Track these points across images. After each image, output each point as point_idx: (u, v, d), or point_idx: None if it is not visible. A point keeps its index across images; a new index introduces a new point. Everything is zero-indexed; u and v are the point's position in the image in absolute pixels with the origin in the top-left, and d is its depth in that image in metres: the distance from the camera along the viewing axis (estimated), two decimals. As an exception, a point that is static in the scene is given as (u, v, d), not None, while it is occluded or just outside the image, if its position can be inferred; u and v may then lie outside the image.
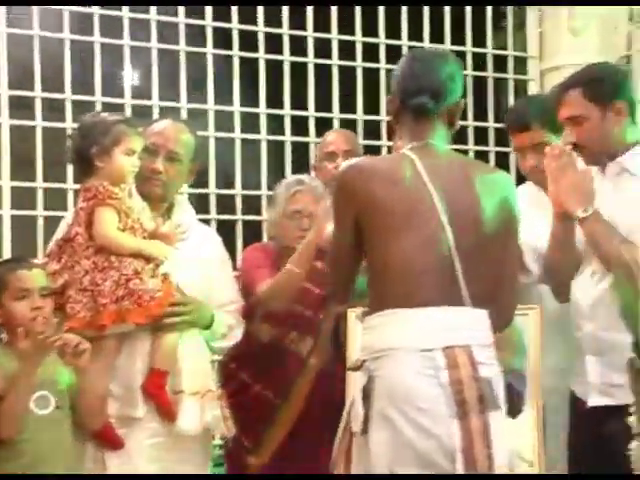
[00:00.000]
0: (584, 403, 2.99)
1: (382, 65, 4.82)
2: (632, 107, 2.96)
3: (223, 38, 4.62)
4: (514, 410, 2.74)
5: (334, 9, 4.75)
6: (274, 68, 4.67)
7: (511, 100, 5.16)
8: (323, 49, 4.78)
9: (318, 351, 3.33)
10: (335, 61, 4.78)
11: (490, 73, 5.14)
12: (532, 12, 5.21)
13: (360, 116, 4.81)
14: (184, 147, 3.16)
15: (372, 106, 4.84)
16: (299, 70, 4.73)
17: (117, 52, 4.39)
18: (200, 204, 4.50)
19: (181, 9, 4.47)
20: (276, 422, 3.30)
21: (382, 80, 4.79)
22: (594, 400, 2.96)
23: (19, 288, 2.82)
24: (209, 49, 4.54)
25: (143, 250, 2.93)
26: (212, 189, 4.56)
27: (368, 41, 4.83)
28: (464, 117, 4.74)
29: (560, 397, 3.17)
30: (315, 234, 3.23)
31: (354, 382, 2.54)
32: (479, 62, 5.10)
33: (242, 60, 4.61)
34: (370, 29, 4.84)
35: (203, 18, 4.53)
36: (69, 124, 4.16)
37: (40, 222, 4.18)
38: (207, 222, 4.38)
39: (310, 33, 4.72)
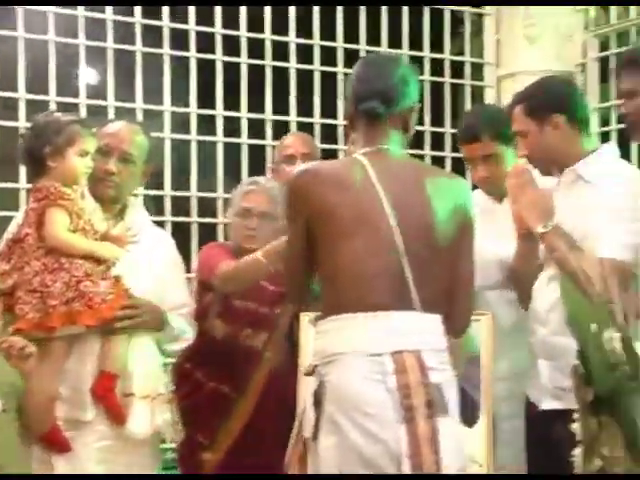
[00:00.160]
0: (536, 407, 3.02)
1: (340, 69, 4.84)
2: (576, 119, 3.00)
3: (180, 39, 4.60)
4: (470, 418, 2.75)
5: (292, 12, 4.75)
6: (231, 70, 4.66)
7: (468, 106, 5.19)
8: (281, 52, 4.77)
9: (273, 345, 3.32)
10: (293, 64, 4.78)
11: (447, 79, 5.16)
12: (489, 19, 5.25)
13: (317, 120, 4.82)
14: (138, 149, 3.14)
15: (329, 110, 4.85)
16: (257, 73, 4.72)
17: (72, 51, 4.36)
18: (155, 206, 4.50)
19: (137, 9, 4.44)
20: (232, 416, 3.29)
21: (340, 84, 4.80)
22: (546, 404, 2.99)
23: (-33, 288, 2.80)
24: (166, 50, 4.52)
25: (94, 252, 2.91)
26: (167, 191, 4.54)
27: (326, 45, 4.84)
28: (421, 122, 4.76)
29: (513, 403, 3.20)
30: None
31: (306, 387, 2.54)
32: (436, 68, 5.13)
33: (199, 62, 4.59)
34: (328, 33, 4.85)
35: (160, 19, 4.51)
36: (22, 123, 4.11)
37: (-9, 222, 4.13)
38: (162, 224, 4.37)
39: (268, 36, 4.72)
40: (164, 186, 4.53)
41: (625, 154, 3.55)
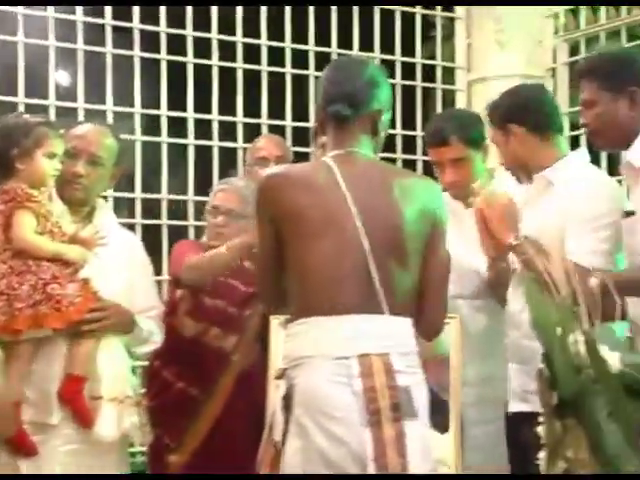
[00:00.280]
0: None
1: (311, 72, 4.84)
2: (538, 127, 3.04)
3: (151, 41, 4.58)
4: (442, 421, 2.75)
5: (264, 15, 4.75)
6: (202, 73, 4.66)
7: (439, 110, 5.22)
8: (252, 55, 4.77)
9: (242, 347, 3.31)
10: (264, 67, 4.78)
11: (419, 82, 5.18)
12: (460, 24, 5.27)
13: (289, 122, 4.82)
14: (106, 151, 3.12)
15: (301, 112, 4.85)
16: (228, 75, 4.72)
17: (42, 53, 4.33)
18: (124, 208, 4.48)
19: (108, 11, 4.42)
20: (199, 418, 3.27)
21: (311, 87, 4.80)
22: (513, 407, 3.02)
23: None
24: (136, 52, 4.51)
25: (62, 254, 2.89)
26: (138, 193, 4.52)
27: (298, 48, 4.85)
28: (392, 126, 4.77)
29: (483, 408, 3.21)
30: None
31: (276, 390, 2.54)
32: (408, 71, 5.14)
33: (170, 64, 4.58)
34: (300, 36, 4.85)
35: (130, 20, 4.50)
36: (-9, 125, 4.08)
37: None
38: (132, 226, 4.36)
39: (239, 38, 4.72)
40: (134, 188, 4.51)
41: (595, 159, 3.58)
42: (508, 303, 3.08)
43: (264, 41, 4.77)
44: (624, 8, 4.84)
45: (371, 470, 2.21)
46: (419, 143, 5.11)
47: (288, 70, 4.83)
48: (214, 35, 4.66)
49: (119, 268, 3.10)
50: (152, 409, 3.26)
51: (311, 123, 4.80)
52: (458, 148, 3.26)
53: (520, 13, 5.05)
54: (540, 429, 1.91)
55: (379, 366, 2.29)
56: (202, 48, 4.65)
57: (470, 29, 5.25)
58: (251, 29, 4.76)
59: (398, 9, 5.08)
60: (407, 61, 5.14)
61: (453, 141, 3.26)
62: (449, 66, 5.32)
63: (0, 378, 2.78)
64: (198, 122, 4.69)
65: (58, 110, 4.33)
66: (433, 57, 5.33)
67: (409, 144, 5.13)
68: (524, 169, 3.09)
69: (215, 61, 4.66)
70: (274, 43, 4.81)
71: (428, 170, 4.88)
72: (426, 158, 4.99)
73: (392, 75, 4.74)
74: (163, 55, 4.56)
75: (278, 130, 4.70)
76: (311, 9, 4.84)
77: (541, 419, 1.91)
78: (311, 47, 4.87)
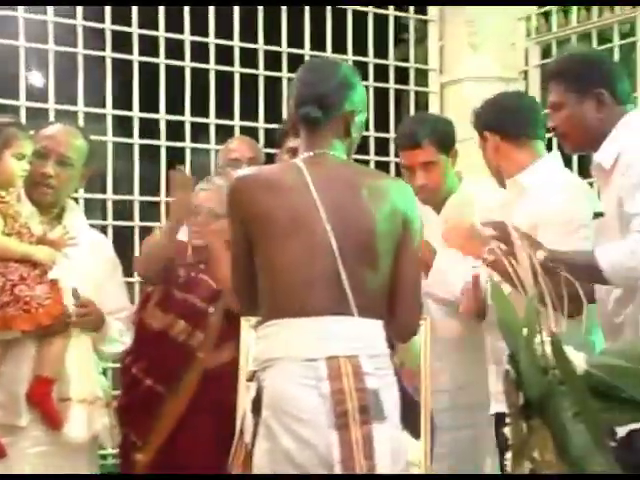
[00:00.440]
0: None
1: (284, 74, 4.84)
2: (511, 135, 3.10)
3: (123, 42, 4.57)
4: (414, 422, 2.76)
5: (236, 16, 4.74)
6: (175, 74, 4.64)
7: (412, 112, 5.23)
8: (225, 56, 4.76)
9: (207, 345, 3.30)
10: (237, 68, 4.77)
11: (391, 85, 5.19)
12: (433, 26, 5.29)
13: (261, 124, 4.81)
14: (76, 152, 3.11)
15: (274, 114, 4.84)
16: (201, 76, 4.71)
17: (13, 53, 4.31)
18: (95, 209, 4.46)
19: (79, 12, 4.40)
20: (163, 416, 3.25)
21: (284, 89, 4.80)
22: (492, 407, 3.04)
23: None
24: (108, 53, 4.48)
25: (30, 255, 2.88)
26: (109, 195, 4.50)
27: (270, 49, 4.84)
28: (365, 127, 4.76)
29: (456, 414, 3.23)
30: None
31: (246, 392, 2.53)
32: (381, 73, 5.15)
33: (142, 65, 4.56)
34: (272, 37, 4.85)
35: (102, 21, 4.48)
36: (-39, 125, 4.05)
37: None
38: (104, 228, 4.35)
39: (212, 40, 4.71)
40: (106, 190, 4.50)
41: (567, 161, 3.60)
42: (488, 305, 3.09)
43: (237, 42, 4.76)
44: (595, 11, 4.86)
45: (338, 472, 2.20)
46: (392, 145, 5.10)
47: (261, 72, 4.82)
48: (187, 36, 4.64)
49: (88, 269, 3.10)
50: (122, 407, 3.27)
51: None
52: (430, 152, 3.27)
53: (492, 15, 5.08)
54: (506, 430, 1.92)
55: (347, 368, 2.28)
56: (174, 49, 4.64)
57: (443, 31, 5.26)
58: (224, 30, 4.75)
59: (371, 11, 5.09)
60: (380, 63, 5.14)
61: (425, 144, 3.27)
62: (422, 68, 5.33)
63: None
64: (170, 123, 4.67)
65: (29, 111, 4.30)
66: (406, 59, 5.33)
67: (382, 146, 5.13)
68: (499, 175, 3.16)
69: (188, 62, 4.65)
70: (247, 44, 4.80)
71: (401, 172, 4.91)
72: (399, 160, 5.03)
73: (365, 77, 4.73)
74: (135, 56, 4.54)
75: (251, 132, 4.69)
76: (284, 10, 4.83)
77: (507, 420, 1.92)
78: (284, 49, 4.87)
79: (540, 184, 3.01)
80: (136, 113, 4.55)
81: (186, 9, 4.63)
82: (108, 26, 4.47)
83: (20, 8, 4.25)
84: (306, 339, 2.32)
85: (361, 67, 4.63)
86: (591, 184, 3.39)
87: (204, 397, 3.21)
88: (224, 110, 4.76)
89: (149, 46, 4.60)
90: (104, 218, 4.53)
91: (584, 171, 3.52)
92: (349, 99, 2.50)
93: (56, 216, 3.13)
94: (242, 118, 4.79)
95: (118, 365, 3.51)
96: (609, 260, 2.40)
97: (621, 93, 2.66)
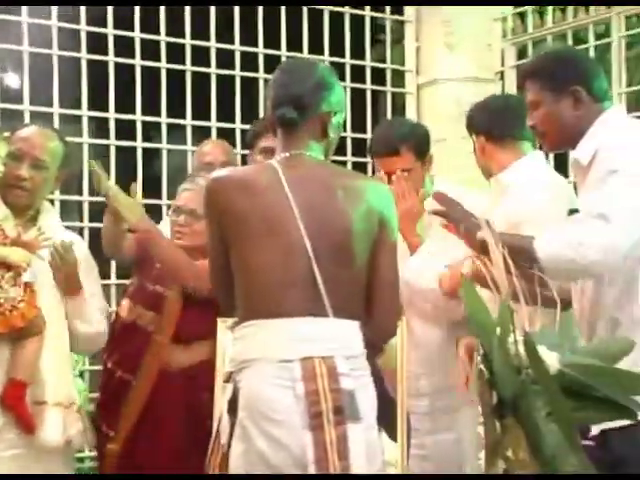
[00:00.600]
0: None
1: (261, 75, 4.84)
2: (495, 137, 3.18)
3: (99, 43, 4.55)
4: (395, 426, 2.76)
5: (213, 17, 4.73)
6: (151, 75, 4.63)
7: (389, 113, 5.24)
8: (202, 57, 4.75)
9: (163, 327, 3.27)
10: (213, 69, 4.77)
11: (368, 85, 5.19)
12: (410, 27, 5.30)
13: (238, 125, 4.81)
14: (51, 155, 3.09)
15: (251, 115, 4.84)
16: (178, 78, 4.69)
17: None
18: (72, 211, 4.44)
19: (54, 12, 4.38)
20: (129, 403, 3.23)
21: (261, 90, 4.80)
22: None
23: None
24: (83, 54, 4.47)
25: (4, 257, 2.87)
26: (85, 197, 4.49)
27: (247, 50, 4.84)
28: (343, 128, 4.77)
29: (436, 418, 3.23)
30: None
31: (222, 394, 2.53)
32: (357, 74, 5.15)
33: (118, 66, 4.54)
34: (249, 38, 4.84)
35: (78, 22, 4.46)
36: None
37: None
38: (81, 230, 4.33)
39: (188, 41, 4.70)
40: (82, 191, 4.48)
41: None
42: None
43: (213, 43, 4.76)
44: (570, 12, 4.89)
45: (312, 473, 2.20)
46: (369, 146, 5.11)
47: (237, 73, 4.82)
48: (162, 37, 4.63)
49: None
50: (99, 404, 3.28)
51: (261, 126, 4.80)
52: (408, 158, 3.27)
53: (469, 16, 5.09)
54: (479, 429, 1.92)
55: (322, 369, 2.28)
56: (150, 50, 4.62)
57: (419, 32, 5.28)
58: (200, 31, 4.74)
59: (347, 12, 5.09)
60: (357, 64, 5.15)
61: (404, 151, 3.26)
62: (399, 69, 5.34)
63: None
64: (145, 124, 4.66)
65: (5, 112, 4.28)
66: (383, 60, 5.34)
67: (359, 147, 5.13)
68: (486, 175, 3.25)
69: (164, 64, 4.64)
70: (223, 45, 4.79)
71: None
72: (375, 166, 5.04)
73: (342, 78, 4.71)
74: (111, 57, 4.52)
75: (227, 133, 4.68)
76: (260, 11, 4.83)
77: (480, 420, 1.93)
78: (260, 49, 4.86)
79: (521, 182, 3.04)
80: (112, 114, 4.54)
81: (162, 10, 4.62)
82: (83, 27, 4.45)
83: (-5, 9, 4.24)
84: (281, 340, 2.32)
85: (338, 68, 4.59)
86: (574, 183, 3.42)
87: (174, 396, 3.19)
88: (201, 111, 4.75)
89: (125, 47, 4.58)
90: (80, 220, 4.51)
91: (563, 170, 3.53)
92: (326, 100, 2.50)
93: (31, 218, 3.11)
94: (219, 119, 4.79)
95: (95, 368, 3.49)
96: (547, 251, 2.37)
97: (598, 90, 2.65)
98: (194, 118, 4.74)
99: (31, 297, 2.89)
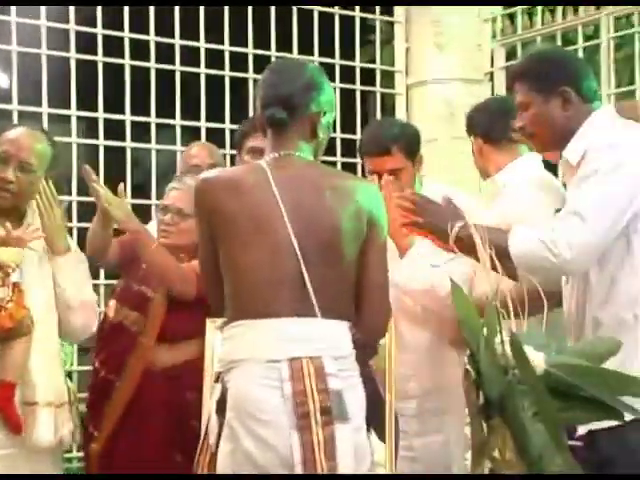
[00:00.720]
0: None
1: (250, 75, 4.84)
2: (491, 139, 3.23)
3: (90, 43, 4.54)
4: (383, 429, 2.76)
5: (202, 17, 4.73)
6: (141, 75, 4.62)
7: (378, 113, 5.24)
8: (191, 57, 4.75)
9: (148, 330, 3.27)
10: (203, 70, 4.77)
11: (358, 86, 5.20)
12: (399, 27, 5.30)
13: (228, 125, 4.81)
14: (38, 157, 3.05)
15: (240, 116, 4.83)
16: (167, 78, 4.69)
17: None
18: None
19: (43, 12, 4.38)
20: (112, 403, 3.23)
21: (250, 90, 4.80)
22: None
23: None
24: (72, 54, 4.46)
25: (-8, 257, 2.86)
26: (74, 197, 4.48)
27: (236, 50, 4.84)
28: (332, 129, 4.77)
29: (425, 420, 3.23)
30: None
31: (211, 393, 2.53)
32: (347, 75, 5.16)
33: (107, 66, 4.54)
34: (238, 38, 4.84)
35: (67, 22, 4.45)
36: None
37: None
38: (70, 230, 4.31)
39: (178, 41, 4.70)
40: (71, 191, 4.47)
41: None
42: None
43: (203, 43, 4.76)
44: (559, 13, 4.91)
45: (299, 473, 2.21)
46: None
47: (227, 73, 4.82)
48: (152, 37, 4.63)
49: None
50: (88, 404, 3.27)
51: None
52: (399, 158, 3.25)
53: (458, 16, 5.11)
54: (466, 430, 1.93)
55: (310, 369, 2.28)
56: (140, 50, 4.62)
57: (409, 33, 5.29)
58: (190, 31, 4.74)
59: (337, 12, 5.10)
60: (346, 64, 5.15)
61: (394, 151, 3.25)
62: (388, 70, 5.35)
63: None
64: (135, 125, 4.65)
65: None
66: (372, 61, 5.35)
67: (349, 147, 5.13)
68: (484, 176, 3.31)
69: (153, 64, 4.63)
70: (213, 45, 4.80)
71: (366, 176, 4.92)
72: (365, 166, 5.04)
73: (331, 78, 4.72)
74: (100, 57, 4.52)
75: (217, 133, 4.68)
76: (250, 11, 4.83)
77: (467, 420, 1.93)
78: (250, 50, 4.86)
79: (517, 182, 3.05)
80: (101, 114, 4.54)
81: (151, 10, 4.62)
82: (73, 27, 4.45)
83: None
84: (269, 340, 2.32)
85: (327, 68, 4.60)
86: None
87: (157, 396, 3.18)
88: (190, 111, 4.75)
89: (114, 47, 4.58)
90: (69, 220, 4.50)
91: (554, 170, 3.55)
92: (315, 100, 2.49)
93: (17, 219, 3.10)
94: (208, 119, 4.79)
95: (84, 368, 3.49)
96: (520, 248, 2.39)
97: (587, 91, 2.65)
98: (183, 118, 4.74)
99: (19, 297, 2.88)
